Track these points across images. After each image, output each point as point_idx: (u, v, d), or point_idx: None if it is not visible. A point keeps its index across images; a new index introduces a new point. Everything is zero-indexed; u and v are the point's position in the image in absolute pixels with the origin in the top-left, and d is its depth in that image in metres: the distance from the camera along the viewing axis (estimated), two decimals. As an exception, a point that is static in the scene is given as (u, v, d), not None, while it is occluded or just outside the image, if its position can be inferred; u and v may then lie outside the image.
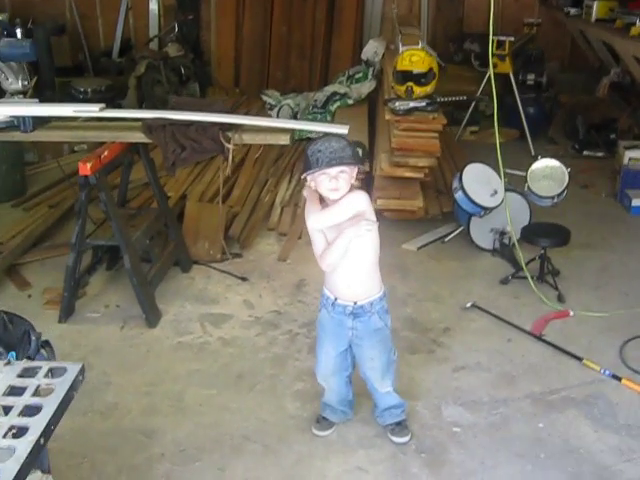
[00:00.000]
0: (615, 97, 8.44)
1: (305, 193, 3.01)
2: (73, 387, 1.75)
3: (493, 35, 7.67)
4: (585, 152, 7.57)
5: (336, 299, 3.08)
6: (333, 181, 2.81)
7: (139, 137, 4.29)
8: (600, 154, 7.51)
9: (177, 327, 4.32)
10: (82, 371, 1.81)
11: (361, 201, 2.89)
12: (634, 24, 6.52)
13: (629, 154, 6.42)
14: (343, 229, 2.88)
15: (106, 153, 4.22)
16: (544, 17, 8.99)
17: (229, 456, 3.24)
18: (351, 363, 3.29)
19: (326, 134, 3.12)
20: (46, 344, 2.31)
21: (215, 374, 3.86)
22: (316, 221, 2.93)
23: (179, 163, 4.29)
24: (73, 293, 4.39)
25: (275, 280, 4.91)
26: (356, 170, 2.90)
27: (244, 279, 4.90)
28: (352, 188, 2.89)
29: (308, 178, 2.90)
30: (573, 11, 8.41)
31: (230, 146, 4.17)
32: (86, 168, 4.02)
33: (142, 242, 4.55)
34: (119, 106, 7.29)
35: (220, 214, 5.27)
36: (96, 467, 3.15)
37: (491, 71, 4.50)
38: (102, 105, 4.27)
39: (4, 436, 1.59)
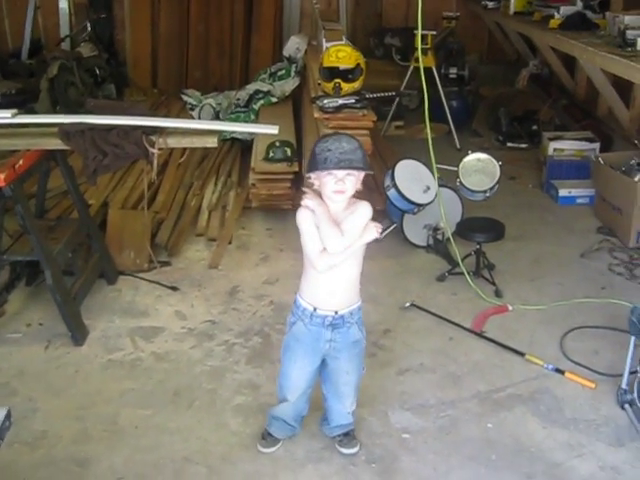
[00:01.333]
0: (535, 88, 8.55)
1: (309, 203, 2.75)
2: (-1, 435, 1.55)
3: (415, 29, 7.72)
4: (509, 144, 7.63)
5: (315, 309, 2.89)
6: (340, 183, 2.66)
7: (56, 144, 4.02)
8: (523, 145, 7.59)
9: (106, 344, 4.08)
10: (8, 416, 1.61)
11: (369, 213, 2.79)
12: (552, 17, 6.59)
13: (553, 145, 6.51)
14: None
15: (21, 162, 3.93)
16: (462, 11, 9.01)
17: (171, 481, 3.06)
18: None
19: (336, 133, 2.93)
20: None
21: (150, 392, 3.65)
22: (340, 245, 2.72)
23: (101, 170, 4.05)
24: (-9, 313, 4.11)
25: (207, 288, 4.72)
26: (363, 175, 2.75)
27: (174, 288, 4.69)
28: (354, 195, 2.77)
29: (312, 177, 2.74)
30: (491, 4, 8.50)
31: (155, 150, 3.95)
32: (0, 179, 3.74)
33: (64, 255, 4.28)
34: (32, 110, 6.92)
35: (145, 221, 5.05)
36: (27, 505, 2.92)
37: (421, 65, 4.43)
38: (14, 111, 4.01)
39: None
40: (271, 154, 5.67)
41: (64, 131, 3.96)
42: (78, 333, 4.08)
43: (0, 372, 3.81)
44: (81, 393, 3.65)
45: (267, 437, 3.23)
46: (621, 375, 3.57)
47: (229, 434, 3.34)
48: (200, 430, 3.37)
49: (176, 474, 3.10)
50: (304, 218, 2.75)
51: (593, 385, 3.67)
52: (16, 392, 3.63)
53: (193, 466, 3.14)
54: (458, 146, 7.39)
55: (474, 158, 4.96)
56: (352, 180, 2.70)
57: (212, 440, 3.30)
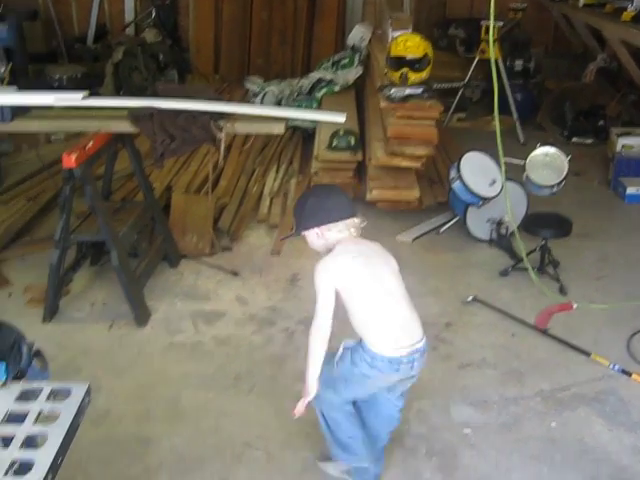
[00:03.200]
0: (602, 83, 8.33)
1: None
2: (80, 412, 1.57)
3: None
4: (574, 139, 7.47)
5: (401, 356, 2.64)
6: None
7: (125, 127, 4.08)
8: (589, 141, 7.42)
9: (168, 326, 4.13)
10: (88, 392, 1.62)
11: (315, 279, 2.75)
12: (625, 9, 6.39)
13: (622, 141, 6.34)
14: None
15: (91, 144, 3.99)
16: (528, 2, 8.83)
17: (231, 465, 3.07)
18: None
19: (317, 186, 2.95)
20: (38, 354, 2.13)
21: (211, 376, 3.68)
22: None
23: (168, 154, 4.09)
24: (57, 291, 4.18)
25: (268, 275, 4.73)
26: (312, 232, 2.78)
27: (235, 274, 4.71)
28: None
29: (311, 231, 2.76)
30: (559, -4, 8.29)
31: (222, 135, 3.97)
32: (71, 160, 3.79)
33: (129, 237, 4.35)
34: (97, 94, 7.01)
35: (208, 205, 5.08)
36: (91, 480, 2.96)
37: (492, 56, 4.32)
38: (85, 93, 4.05)
39: (6, 473, 1.39)
40: (335, 143, 5.64)
41: (134, 114, 4.01)
42: (141, 314, 4.13)
43: (65, 349, 3.87)
44: (143, 373, 3.70)
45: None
46: (691, 379, 3.47)
47: (289, 421, 3.32)
48: (260, 415, 3.38)
49: (235, 458, 3.11)
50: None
51: (661, 388, 3.56)
52: (80, 370, 3.69)
53: (253, 451, 3.15)
54: (522, 140, 7.26)
55: (542, 152, 4.86)
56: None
57: (272, 426, 3.31)
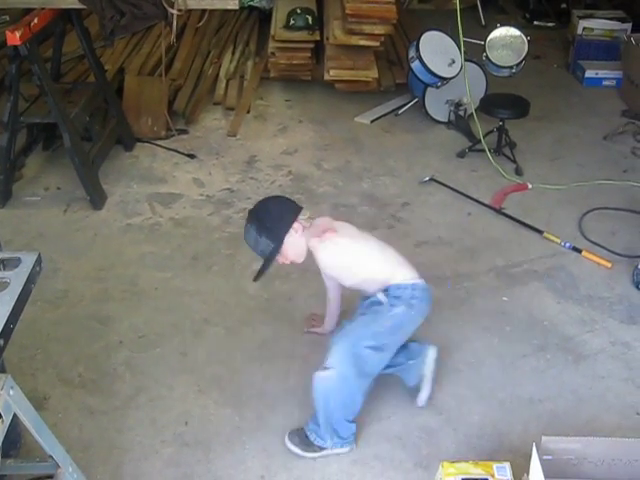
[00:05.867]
0: (565, -38, 8.13)
1: None
2: (30, 280, 1.56)
3: None
4: (535, 22, 7.34)
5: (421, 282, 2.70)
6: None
7: (71, 2, 3.89)
8: (551, 24, 7.30)
9: (124, 208, 4.10)
10: (39, 261, 1.61)
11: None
12: None
13: (583, 24, 6.25)
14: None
15: (36, 21, 3.82)
16: None
17: (190, 340, 3.13)
18: None
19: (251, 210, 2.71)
20: (-12, 231, 2.10)
21: (169, 256, 3.70)
22: None
23: (118, 31, 3.93)
24: (9, 176, 4.11)
25: (225, 157, 4.68)
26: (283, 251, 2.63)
27: (192, 156, 4.66)
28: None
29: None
30: None
31: (174, 11, 3.82)
32: (15, 37, 3.64)
33: (81, 118, 4.23)
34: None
35: (162, 88, 4.95)
36: (51, 358, 3.00)
37: None
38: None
39: (-43, 338, 1.40)
40: (292, 22, 5.48)
41: (80, -12, 3.82)
42: (97, 197, 4.09)
43: (20, 234, 3.84)
44: (101, 255, 3.70)
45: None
46: (638, 256, 3.58)
47: (247, 298, 3.39)
48: (218, 294, 3.42)
49: (195, 334, 3.17)
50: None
51: (609, 265, 3.67)
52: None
53: (212, 327, 3.21)
54: (483, 22, 7.11)
55: (502, 32, 4.79)
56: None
57: (230, 303, 3.36)
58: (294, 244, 2.62)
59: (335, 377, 2.48)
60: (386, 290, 2.65)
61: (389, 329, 2.61)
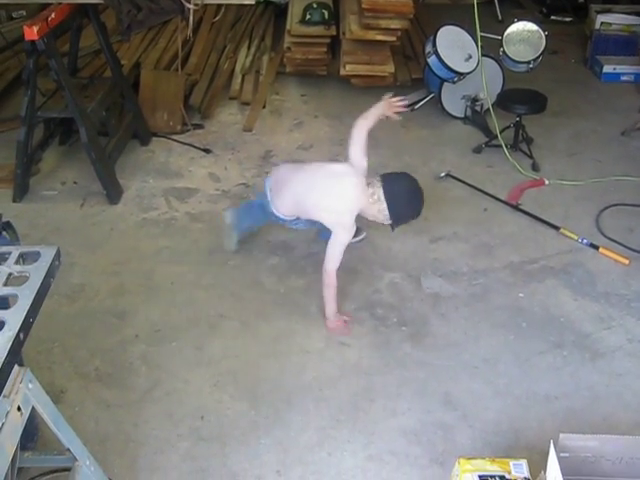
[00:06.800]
0: (584, -44, 8.06)
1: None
2: (50, 274, 1.56)
3: None
4: (552, 17, 7.30)
5: None
6: None
7: (89, -3, 3.91)
8: (568, 19, 7.27)
9: (140, 203, 4.11)
10: (58, 255, 1.61)
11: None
12: None
13: (601, 18, 6.20)
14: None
15: (53, 15, 3.83)
16: None
17: (206, 334, 3.14)
18: None
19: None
20: (7, 226, 2.11)
21: (185, 251, 3.70)
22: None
23: (135, 26, 3.93)
24: (26, 170, 4.12)
25: (240, 151, 4.69)
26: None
27: (207, 151, 4.66)
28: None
29: None
30: None
31: (191, 6, 3.83)
32: (32, 32, 3.66)
33: (98, 113, 4.24)
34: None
35: (178, 82, 4.95)
36: (68, 351, 3.01)
37: None
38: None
39: (-22, 330, 1.41)
40: (308, 16, 5.47)
41: (97, -18, 3.83)
42: (113, 192, 4.10)
43: (37, 227, 3.86)
44: (117, 249, 3.71)
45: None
46: (656, 252, 3.54)
47: (263, 292, 3.40)
48: (234, 288, 3.42)
49: (211, 328, 3.17)
50: None
51: (627, 261, 3.64)
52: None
53: (227, 321, 3.21)
54: (500, 17, 7.08)
55: (520, 27, 4.76)
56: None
57: (246, 297, 3.36)
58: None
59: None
60: None
61: None
